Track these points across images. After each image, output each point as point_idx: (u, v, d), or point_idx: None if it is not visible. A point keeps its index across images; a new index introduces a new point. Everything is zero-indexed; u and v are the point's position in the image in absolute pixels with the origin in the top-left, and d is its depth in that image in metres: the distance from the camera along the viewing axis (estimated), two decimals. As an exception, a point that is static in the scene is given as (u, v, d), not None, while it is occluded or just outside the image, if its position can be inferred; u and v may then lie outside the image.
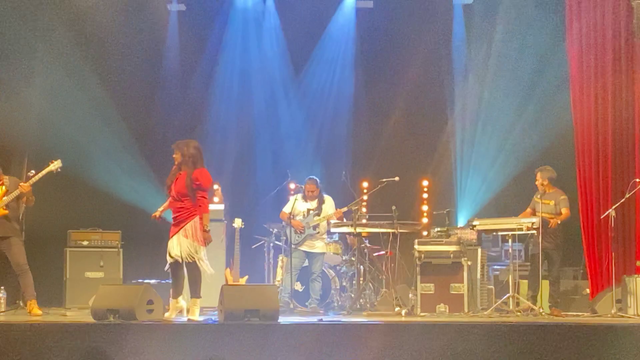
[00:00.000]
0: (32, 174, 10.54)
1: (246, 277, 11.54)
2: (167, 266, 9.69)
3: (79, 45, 13.48)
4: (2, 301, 11.06)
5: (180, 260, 9.52)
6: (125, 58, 13.71)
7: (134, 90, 13.73)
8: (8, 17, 12.83)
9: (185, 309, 9.68)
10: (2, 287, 11.05)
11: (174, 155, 9.68)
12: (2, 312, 10.93)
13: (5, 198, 10.45)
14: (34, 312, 10.31)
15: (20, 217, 10.76)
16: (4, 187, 10.52)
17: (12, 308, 11.07)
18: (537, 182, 11.21)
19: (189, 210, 9.52)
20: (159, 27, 14.04)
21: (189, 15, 14.11)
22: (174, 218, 9.63)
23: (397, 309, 10.80)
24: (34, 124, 13.14)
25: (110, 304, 9.18)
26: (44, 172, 10.38)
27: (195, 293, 9.62)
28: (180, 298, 9.71)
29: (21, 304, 11.05)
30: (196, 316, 9.52)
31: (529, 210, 11.22)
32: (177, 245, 9.49)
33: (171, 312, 9.63)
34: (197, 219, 9.53)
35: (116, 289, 9.70)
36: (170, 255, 9.56)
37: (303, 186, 11.83)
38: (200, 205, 9.51)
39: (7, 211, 10.47)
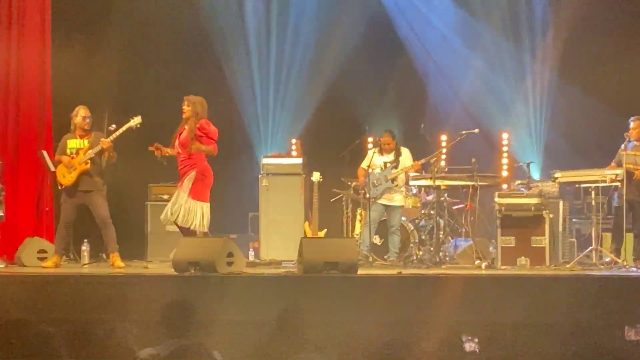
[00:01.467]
0: (112, 129, 10.65)
1: (325, 230, 11.57)
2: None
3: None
4: (85, 254, 11.25)
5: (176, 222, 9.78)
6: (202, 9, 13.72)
7: (212, 43, 13.76)
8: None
9: None
10: (86, 240, 11.24)
11: (184, 108, 9.85)
12: (85, 264, 11.12)
13: (89, 152, 10.58)
14: (117, 265, 10.46)
15: (103, 172, 10.89)
16: (87, 142, 10.65)
17: (95, 261, 11.26)
18: (632, 131, 10.84)
19: (190, 163, 9.80)
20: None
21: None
22: (178, 172, 9.87)
23: (477, 262, 10.72)
24: (114, 79, 13.26)
25: (191, 257, 9.25)
26: (124, 127, 10.47)
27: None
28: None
29: (104, 256, 11.23)
30: None
31: (613, 164, 10.96)
32: (174, 204, 9.73)
33: None
34: (194, 172, 9.78)
35: (197, 241, 9.77)
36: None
37: (380, 139, 11.75)
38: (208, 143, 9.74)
39: (88, 166, 10.61)
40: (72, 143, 10.72)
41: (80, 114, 10.71)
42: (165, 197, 12.47)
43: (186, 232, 9.92)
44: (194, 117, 9.79)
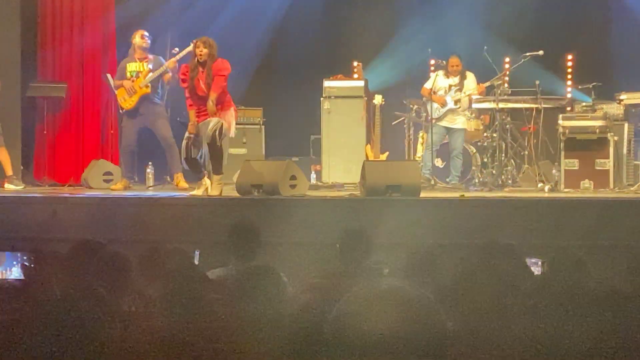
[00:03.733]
0: (176, 52, 10.71)
1: (386, 153, 11.57)
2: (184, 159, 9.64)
3: None
4: (150, 176, 11.43)
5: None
6: None
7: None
8: None
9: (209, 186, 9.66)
10: (150, 163, 11.40)
11: (199, 50, 9.41)
12: (150, 186, 11.31)
13: (149, 75, 10.66)
14: (181, 185, 10.61)
15: (163, 95, 10.97)
16: (146, 65, 10.73)
17: (159, 183, 11.43)
18: None
19: (224, 103, 9.54)
20: None
21: None
22: (202, 111, 9.51)
23: (540, 185, 10.67)
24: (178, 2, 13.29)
25: (254, 180, 9.35)
26: (187, 49, 10.47)
27: (216, 170, 9.64)
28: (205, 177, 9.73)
29: (168, 179, 11.40)
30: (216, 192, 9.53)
31: None
32: (206, 125, 9.43)
33: (198, 189, 9.67)
34: (232, 110, 9.59)
35: (260, 164, 9.87)
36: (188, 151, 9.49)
37: (445, 62, 11.66)
38: (218, 84, 9.40)
39: (149, 89, 10.70)
40: (132, 66, 10.82)
41: (139, 33, 10.80)
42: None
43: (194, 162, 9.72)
44: (210, 59, 9.43)
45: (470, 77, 11.54)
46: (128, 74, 10.80)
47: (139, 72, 10.75)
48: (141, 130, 10.83)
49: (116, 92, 10.95)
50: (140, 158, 11.48)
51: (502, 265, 5.25)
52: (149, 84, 10.69)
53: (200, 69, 9.46)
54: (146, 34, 10.84)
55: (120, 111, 10.94)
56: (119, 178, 11.11)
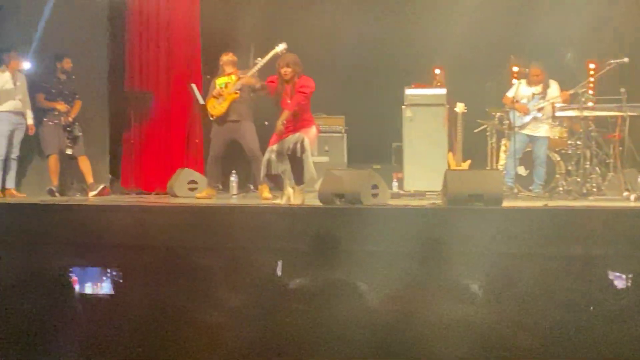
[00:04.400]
0: (258, 61, 10.82)
1: (469, 161, 11.53)
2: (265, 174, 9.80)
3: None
4: (234, 185, 11.58)
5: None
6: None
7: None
8: None
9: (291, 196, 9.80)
10: (234, 172, 11.55)
11: (284, 71, 9.58)
12: (234, 194, 11.45)
13: (237, 83, 10.77)
14: (264, 196, 10.71)
15: (251, 104, 11.08)
16: (236, 76, 10.87)
17: (243, 191, 11.56)
18: None
19: (308, 120, 9.66)
20: None
21: None
22: (287, 127, 9.63)
23: (625, 193, 10.52)
24: (261, 13, 13.43)
25: (337, 189, 9.39)
26: (268, 56, 10.51)
27: (298, 181, 9.75)
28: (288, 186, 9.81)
29: (251, 187, 11.52)
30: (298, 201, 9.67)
31: None
32: (288, 140, 9.58)
33: (281, 198, 9.82)
34: (314, 128, 9.70)
35: (342, 173, 9.88)
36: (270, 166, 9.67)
37: (527, 70, 11.58)
38: (297, 102, 9.51)
39: (238, 95, 10.83)
40: (221, 80, 10.99)
41: (226, 54, 10.97)
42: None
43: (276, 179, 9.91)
44: (295, 76, 9.61)
45: (554, 86, 11.44)
46: (217, 87, 10.97)
47: (228, 83, 10.91)
48: (229, 141, 10.97)
49: (207, 103, 11.09)
50: (224, 166, 11.63)
51: (586, 277, 5.22)
52: (238, 91, 10.81)
53: (286, 85, 9.62)
54: (232, 54, 11.04)
55: (211, 119, 11.07)
56: (204, 186, 11.27)
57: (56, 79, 11.56)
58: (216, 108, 10.88)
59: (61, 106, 11.47)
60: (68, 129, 11.43)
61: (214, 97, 10.89)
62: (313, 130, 9.74)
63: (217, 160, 11.00)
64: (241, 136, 10.84)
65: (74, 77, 11.66)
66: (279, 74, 9.66)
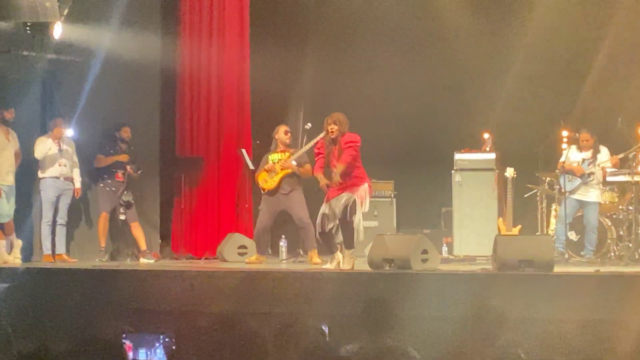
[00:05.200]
0: (308, 127, 10.91)
1: (519, 226, 11.47)
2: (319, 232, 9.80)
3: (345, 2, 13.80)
4: (283, 249, 11.62)
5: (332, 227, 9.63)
6: (393, 15, 13.86)
7: (401, 46, 13.89)
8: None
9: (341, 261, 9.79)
10: (283, 236, 11.60)
11: (330, 128, 9.68)
12: (284, 260, 11.48)
13: (289, 159, 10.89)
14: (314, 261, 10.74)
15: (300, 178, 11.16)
16: (289, 154, 11.00)
17: (292, 256, 11.60)
18: None
19: (358, 178, 9.69)
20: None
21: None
22: (340, 184, 9.64)
23: (678, 259, 10.40)
24: (310, 76, 13.60)
25: (386, 254, 9.39)
26: (317, 138, 10.57)
27: (348, 245, 9.73)
28: (338, 252, 9.80)
29: (300, 252, 11.55)
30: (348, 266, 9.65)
31: None
32: (339, 201, 9.57)
33: (331, 263, 9.83)
34: (366, 185, 9.68)
35: (391, 238, 9.89)
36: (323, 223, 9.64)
37: (577, 135, 11.56)
38: (348, 154, 9.58)
39: (290, 170, 10.93)
40: (274, 156, 11.11)
41: (282, 130, 11.10)
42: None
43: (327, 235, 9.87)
44: (341, 135, 9.70)
45: (604, 152, 11.41)
46: (270, 163, 11.10)
47: (280, 160, 11.04)
48: (279, 212, 11.06)
49: (258, 176, 11.18)
50: (274, 231, 11.68)
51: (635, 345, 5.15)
52: (292, 165, 10.91)
53: (333, 145, 9.67)
54: (288, 130, 11.16)
55: (263, 192, 11.18)
56: (253, 251, 11.32)
57: (118, 148, 11.78)
58: (268, 182, 10.99)
59: (123, 157, 11.70)
60: (122, 196, 11.60)
61: (266, 171, 11.00)
62: (365, 187, 9.76)
63: (265, 231, 11.09)
64: (290, 207, 10.94)
65: (132, 147, 11.87)
66: (326, 131, 9.75)
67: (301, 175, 10.99)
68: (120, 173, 11.71)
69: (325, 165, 9.78)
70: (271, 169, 10.97)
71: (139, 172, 11.84)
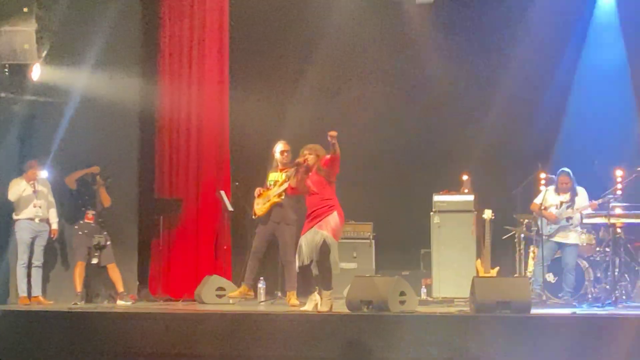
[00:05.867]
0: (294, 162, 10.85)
1: (497, 268, 11.50)
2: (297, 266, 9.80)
3: (325, 41, 13.89)
4: (261, 291, 11.58)
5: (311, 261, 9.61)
6: (371, 56, 13.99)
7: (380, 86, 14.01)
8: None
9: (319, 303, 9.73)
10: (262, 278, 11.55)
11: (306, 157, 9.74)
12: (262, 301, 11.44)
13: (283, 186, 10.83)
14: (292, 303, 10.70)
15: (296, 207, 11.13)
16: (284, 176, 10.91)
17: (271, 298, 11.56)
18: None
19: (328, 205, 9.64)
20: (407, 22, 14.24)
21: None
22: (311, 213, 9.69)
23: (655, 301, 10.45)
24: (290, 117, 13.66)
25: (364, 295, 9.40)
26: (286, 185, 10.53)
27: (326, 286, 9.68)
28: (315, 292, 9.79)
29: (279, 294, 11.52)
30: (326, 308, 9.59)
31: None
32: (310, 240, 9.55)
33: (308, 305, 9.77)
34: (335, 213, 9.63)
35: (370, 280, 9.90)
36: (301, 257, 9.62)
37: (556, 178, 11.62)
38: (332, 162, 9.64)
39: (281, 199, 10.89)
40: (272, 176, 11.10)
41: (278, 149, 11.06)
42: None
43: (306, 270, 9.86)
44: (318, 160, 9.77)
45: (582, 194, 11.47)
46: (268, 183, 11.09)
47: (276, 181, 11.02)
48: (270, 238, 11.02)
49: (255, 200, 11.17)
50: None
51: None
52: (282, 193, 10.87)
53: (309, 172, 9.75)
54: (285, 149, 11.04)
55: (253, 217, 11.17)
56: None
57: (90, 187, 11.75)
58: (259, 208, 10.99)
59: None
60: (95, 239, 11.54)
61: (260, 196, 10.99)
62: (334, 217, 9.71)
63: (257, 257, 11.03)
64: (280, 235, 10.90)
65: (109, 179, 11.82)
66: (302, 160, 9.79)
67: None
68: (90, 214, 11.64)
69: (298, 189, 9.84)
70: (265, 195, 10.97)
71: (108, 179, 11.76)
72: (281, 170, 10.98)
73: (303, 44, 13.93)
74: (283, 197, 10.82)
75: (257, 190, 11.02)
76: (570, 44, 13.57)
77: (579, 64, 13.64)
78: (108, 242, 11.64)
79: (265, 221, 10.97)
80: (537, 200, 11.60)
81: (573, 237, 11.48)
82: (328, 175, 9.73)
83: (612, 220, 10.98)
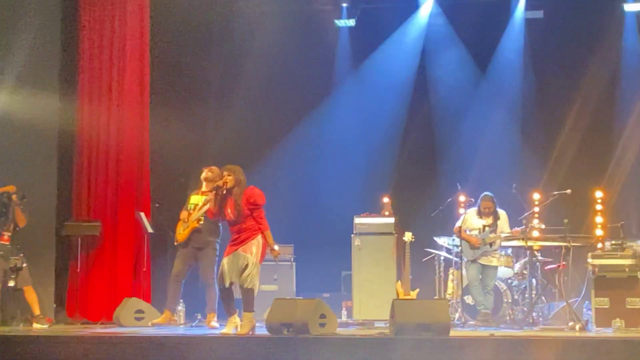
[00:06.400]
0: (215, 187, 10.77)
1: (417, 290, 11.57)
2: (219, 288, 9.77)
3: (247, 62, 13.93)
4: (181, 314, 11.48)
5: (233, 283, 9.59)
6: (293, 76, 14.05)
7: (301, 107, 14.07)
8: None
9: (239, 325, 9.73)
10: (182, 301, 11.46)
11: (224, 179, 9.65)
12: (181, 324, 11.34)
13: (201, 210, 10.74)
14: (212, 325, 10.64)
15: (216, 230, 11.03)
16: (203, 199, 10.82)
17: (190, 321, 11.46)
18: None
19: (252, 230, 9.60)
20: (326, 43, 14.35)
21: (357, 30, 14.40)
22: (234, 239, 9.63)
23: (571, 323, 10.59)
24: (211, 141, 13.63)
25: (284, 318, 9.37)
26: (205, 208, 10.55)
27: (247, 308, 9.66)
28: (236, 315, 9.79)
29: (199, 316, 11.43)
30: (245, 330, 9.57)
31: None
32: (233, 262, 9.54)
33: (228, 327, 9.73)
34: (260, 237, 9.62)
35: (290, 302, 9.88)
36: (223, 278, 9.57)
37: (478, 201, 11.75)
38: (261, 224, 9.58)
39: (199, 224, 10.80)
40: (194, 199, 11.02)
41: (205, 171, 10.97)
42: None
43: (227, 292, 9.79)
44: (237, 185, 9.60)
45: (503, 217, 11.67)
46: (189, 206, 10.99)
47: (196, 204, 10.93)
48: (190, 262, 10.94)
49: (178, 223, 11.05)
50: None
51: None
52: (201, 218, 10.77)
53: (229, 195, 9.62)
54: (212, 174, 10.94)
55: (175, 243, 11.07)
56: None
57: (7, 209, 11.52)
58: (180, 234, 10.91)
59: (10, 187, 11.41)
60: (11, 261, 11.29)
61: (183, 222, 10.89)
62: (258, 240, 9.66)
63: (179, 281, 10.92)
64: (200, 258, 10.82)
65: (26, 199, 11.60)
66: (222, 182, 9.65)
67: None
68: (5, 235, 11.41)
69: (218, 213, 9.72)
70: (185, 219, 10.86)
71: (24, 199, 11.52)
72: (203, 194, 10.91)
73: (226, 63, 13.97)
74: (202, 222, 10.75)
75: (185, 214, 10.91)
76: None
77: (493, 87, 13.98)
78: (24, 264, 11.40)
79: (185, 246, 10.90)
80: (459, 224, 11.72)
81: (495, 260, 11.64)
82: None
83: (530, 244, 11.13)
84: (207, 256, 10.86)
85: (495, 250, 11.69)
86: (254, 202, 9.56)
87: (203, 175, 11.05)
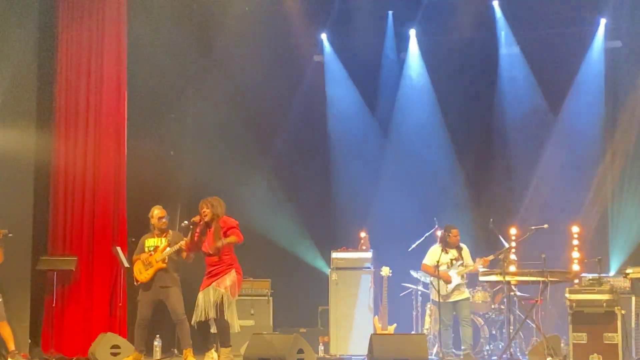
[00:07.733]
0: (185, 225, 10.74)
1: (394, 325, 11.56)
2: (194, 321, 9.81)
3: (228, 96, 13.95)
4: (157, 349, 11.39)
5: (209, 317, 9.63)
6: (276, 110, 14.10)
7: (280, 142, 14.10)
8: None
9: None
10: (158, 336, 11.37)
11: (204, 211, 9.83)
12: (158, 359, 11.25)
13: (166, 250, 10.68)
14: (189, 360, 10.56)
15: (179, 268, 11.00)
16: (165, 240, 10.79)
17: (167, 356, 11.38)
18: None
19: (226, 264, 9.73)
20: (304, 78, 14.42)
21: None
22: (210, 272, 9.78)
23: (548, 358, 10.59)
24: (187, 176, 13.60)
25: (262, 353, 9.37)
26: (177, 246, 10.54)
27: (224, 343, 9.67)
28: (213, 350, 9.78)
29: (175, 352, 11.34)
30: None
31: None
32: (209, 297, 9.59)
33: None
34: (234, 272, 9.72)
35: (268, 338, 9.86)
36: (199, 312, 9.63)
37: (446, 232, 11.70)
38: (235, 237, 9.73)
39: (165, 264, 10.72)
40: (150, 242, 10.89)
41: (155, 214, 10.87)
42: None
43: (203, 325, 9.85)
44: (215, 218, 9.83)
45: (466, 250, 11.67)
46: (146, 249, 10.87)
47: (157, 246, 10.84)
48: (156, 304, 10.84)
49: (133, 265, 10.95)
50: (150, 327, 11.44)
51: None
52: (166, 258, 10.71)
53: (207, 228, 9.73)
54: (162, 215, 10.87)
55: (136, 284, 10.95)
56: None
57: None
58: (142, 274, 10.75)
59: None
60: None
61: (142, 261, 10.77)
62: (232, 275, 9.71)
63: (144, 325, 10.80)
64: (167, 298, 10.72)
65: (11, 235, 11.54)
66: (200, 215, 9.81)
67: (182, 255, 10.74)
68: None
69: (195, 247, 9.86)
70: (146, 261, 10.77)
71: (9, 235, 11.45)
72: (158, 236, 10.86)
73: (203, 94, 13.96)
74: (167, 262, 10.69)
75: (145, 256, 10.81)
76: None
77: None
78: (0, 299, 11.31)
79: (148, 287, 10.74)
80: (426, 261, 11.67)
81: (465, 291, 11.62)
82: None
83: (507, 278, 11.13)
84: (175, 293, 10.77)
85: (464, 281, 11.64)
86: (229, 227, 9.76)
87: (154, 219, 10.95)
